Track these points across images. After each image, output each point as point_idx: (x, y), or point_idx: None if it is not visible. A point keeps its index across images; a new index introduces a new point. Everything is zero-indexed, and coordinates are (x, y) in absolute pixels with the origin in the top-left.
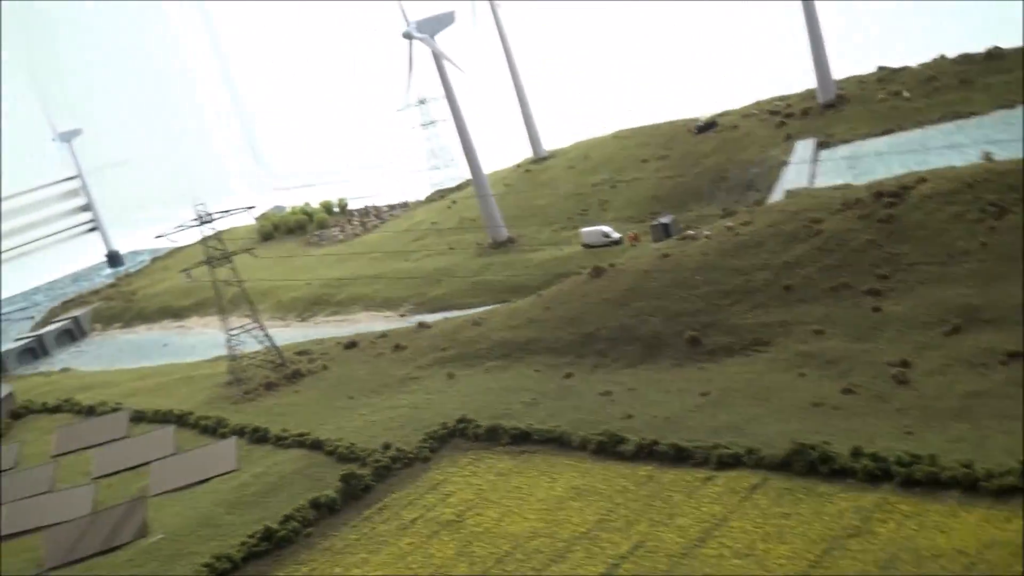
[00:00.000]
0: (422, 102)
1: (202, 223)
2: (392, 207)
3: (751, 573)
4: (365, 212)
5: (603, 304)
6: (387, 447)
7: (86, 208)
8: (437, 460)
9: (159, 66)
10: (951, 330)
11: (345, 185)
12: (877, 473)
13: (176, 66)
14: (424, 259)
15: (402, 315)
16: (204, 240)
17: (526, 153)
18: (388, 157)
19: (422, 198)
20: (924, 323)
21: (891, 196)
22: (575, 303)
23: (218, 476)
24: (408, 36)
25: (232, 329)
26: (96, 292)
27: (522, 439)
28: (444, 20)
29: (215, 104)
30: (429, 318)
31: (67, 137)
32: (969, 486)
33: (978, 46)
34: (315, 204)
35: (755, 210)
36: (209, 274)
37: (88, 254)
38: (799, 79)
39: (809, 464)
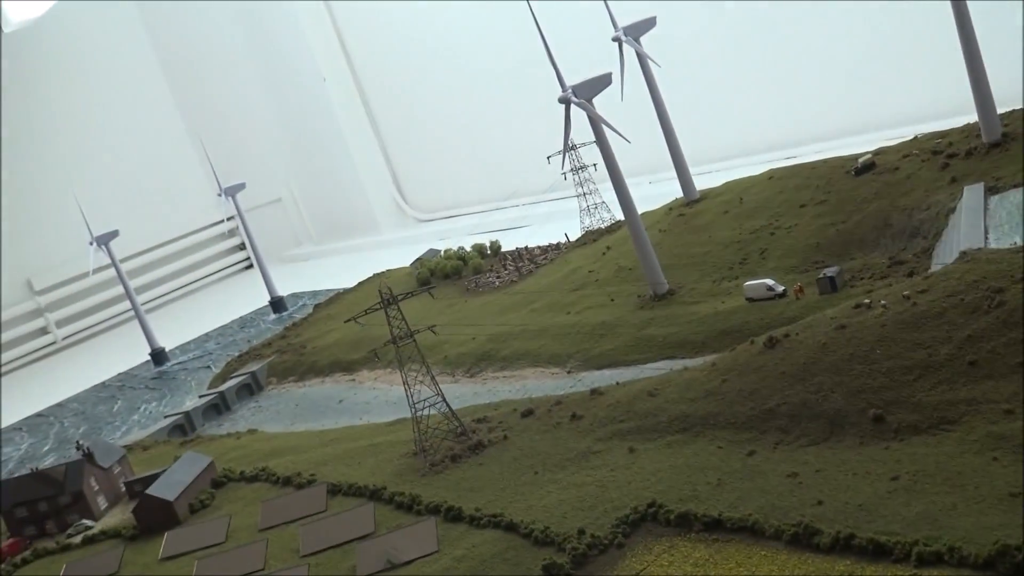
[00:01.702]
0: (573, 147)
1: (387, 304)
2: (544, 250)
3: None
4: (518, 256)
5: (781, 378)
6: (582, 532)
7: (242, 247)
8: (631, 546)
9: (304, 101)
10: None
11: (489, 216)
12: None
13: (320, 102)
14: (585, 311)
15: (569, 372)
16: (389, 321)
17: (675, 193)
18: (532, 189)
19: (574, 239)
20: None
21: None
22: (751, 375)
23: (421, 558)
24: (566, 101)
25: (418, 403)
26: (268, 344)
27: (714, 526)
28: (601, 83)
29: (358, 138)
30: (596, 375)
31: (232, 192)
32: None
33: None
34: (467, 246)
35: (931, 275)
36: (395, 352)
37: (252, 299)
38: (955, 110)
39: (1016, 567)
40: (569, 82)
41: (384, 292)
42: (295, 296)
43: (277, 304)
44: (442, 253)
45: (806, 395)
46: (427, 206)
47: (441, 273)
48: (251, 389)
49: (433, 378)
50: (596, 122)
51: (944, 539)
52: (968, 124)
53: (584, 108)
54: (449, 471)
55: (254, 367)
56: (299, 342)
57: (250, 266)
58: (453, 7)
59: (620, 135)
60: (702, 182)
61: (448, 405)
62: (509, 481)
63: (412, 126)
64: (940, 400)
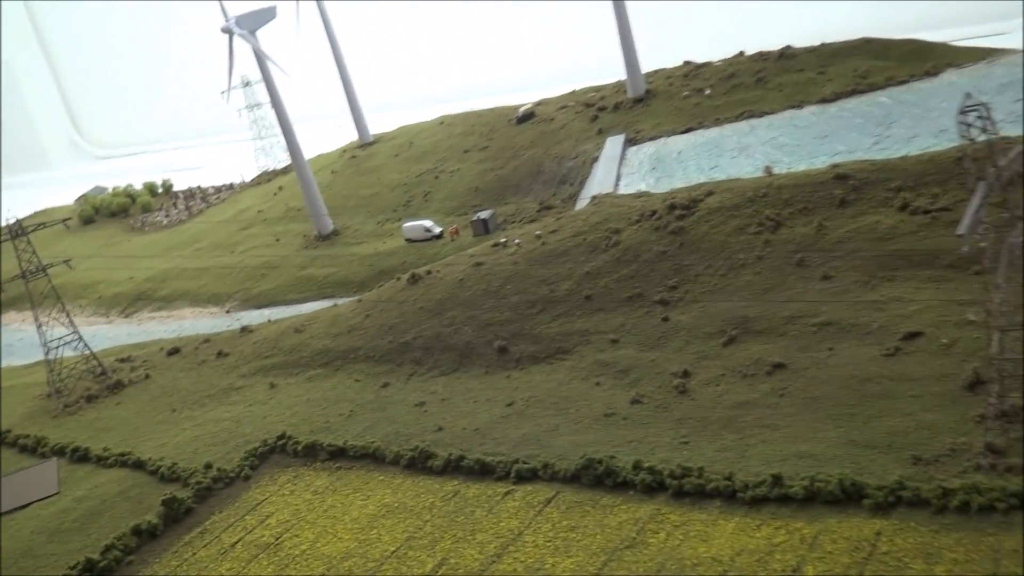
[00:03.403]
0: (247, 84)
1: (14, 236)
2: (218, 189)
3: None
4: (190, 194)
5: (419, 313)
6: (208, 467)
7: None
8: (257, 478)
9: None
10: (727, 340)
11: (170, 155)
12: (654, 485)
13: None
14: (250, 251)
15: (227, 311)
16: (18, 254)
17: (352, 136)
18: (213, 128)
19: (249, 179)
20: (705, 333)
21: (683, 208)
22: (393, 311)
23: (39, 501)
24: (228, 31)
25: (51, 341)
26: None
27: (339, 455)
28: (265, 16)
29: (29, 72)
30: (254, 314)
31: None
32: (729, 496)
33: (774, 44)
34: (138, 184)
35: (563, 217)
36: (24, 287)
37: None
38: (613, 69)
39: (596, 477)
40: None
41: (11, 223)
42: None
43: None
44: (110, 190)
45: (440, 328)
46: (107, 142)
47: (107, 211)
48: None
49: (69, 316)
50: (260, 56)
51: (541, 456)
52: (620, 81)
53: (246, 39)
54: (84, 412)
55: None
56: None
57: None
58: None
59: (281, 69)
60: (384, 125)
61: (86, 344)
62: (144, 420)
63: (91, 62)
64: (558, 332)
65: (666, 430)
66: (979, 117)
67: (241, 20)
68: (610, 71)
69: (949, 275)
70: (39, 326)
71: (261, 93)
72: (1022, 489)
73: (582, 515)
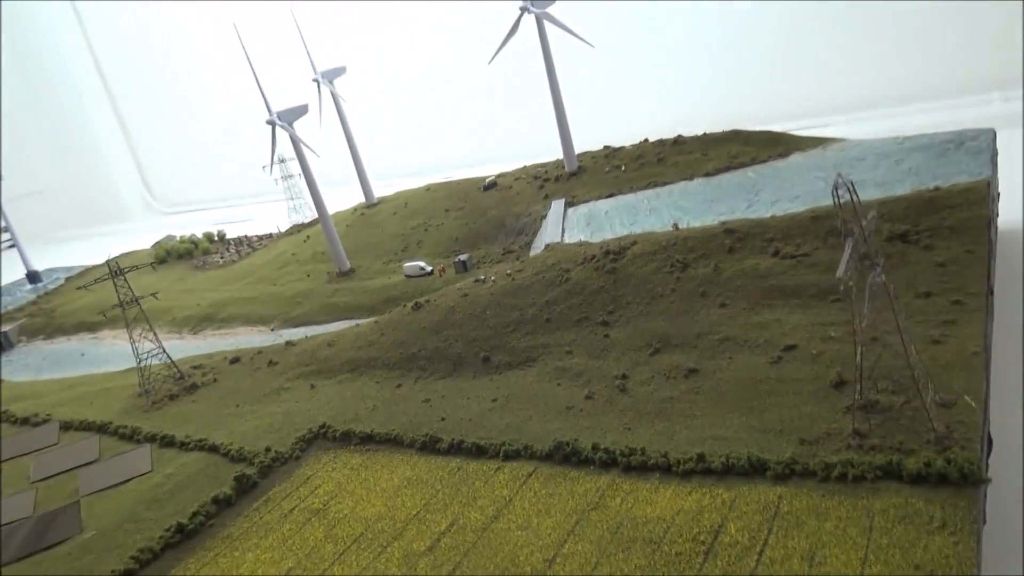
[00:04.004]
0: (282, 161)
1: (113, 275)
2: (261, 237)
3: (529, 540)
4: (240, 241)
5: (422, 331)
6: (268, 449)
7: (5, 230)
8: (306, 458)
9: (62, 109)
10: (653, 351)
11: (223, 212)
12: (609, 461)
13: (76, 108)
14: (288, 283)
15: (272, 329)
16: (116, 288)
17: (360, 199)
18: (257, 192)
19: (284, 230)
20: (636, 346)
21: (615, 253)
22: (402, 330)
23: (136, 477)
24: (271, 123)
25: (142, 355)
26: (21, 309)
27: (368, 439)
28: (300, 111)
29: (112, 142)
30: (293, 332)
31: None
32: (665, 469)
33: (669, 133)
34: (199, 234)
35: (526, 259)
36: (121, 314)
37: (12, 273)
38: (553, 150)
39: (565, 456)
40: (277, 108)
41: (112, 265)
42: (51, 271)
43: (33, 276)
44: (178, 238)
45: (439, 343)
46: (172, 201)
47: (176, 254)
48: (2, 347)
49: (155, 333)
50: (295, 141)
51: (522, 440)
52: (559, 159)
53: (286, 129)
54: (167, 407)
55: (5, 328)
56: (49, 307)
57: (12, 246)
58: (196, 33)
59: (311, 150)
60: (382, 190)
61: (167, 354)
62: (215, 413)
63: (161, 132)
64: (527, 345)
65: (613, 419)
66: (847, 191)
67: (282, 115)
68: (551, 152)
69: (812, 303)
70: (132, 342)
71: (293, 166)
72: (884, 463)
73: (556, 485)
